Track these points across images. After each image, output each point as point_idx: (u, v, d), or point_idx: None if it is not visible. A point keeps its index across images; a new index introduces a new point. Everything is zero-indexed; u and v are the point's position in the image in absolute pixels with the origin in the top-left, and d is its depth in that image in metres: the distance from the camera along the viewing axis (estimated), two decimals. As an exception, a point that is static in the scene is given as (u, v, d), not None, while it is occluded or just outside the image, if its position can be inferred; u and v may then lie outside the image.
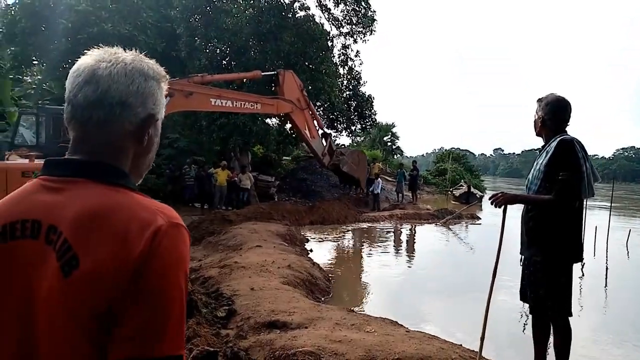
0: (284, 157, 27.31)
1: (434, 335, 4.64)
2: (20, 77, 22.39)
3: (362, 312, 5.97)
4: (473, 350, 4.20)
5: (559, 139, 3.12)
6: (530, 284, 3.27)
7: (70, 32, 18.37)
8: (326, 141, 16.07)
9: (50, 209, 0.93)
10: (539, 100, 3.26)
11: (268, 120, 19.60)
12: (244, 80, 16.48)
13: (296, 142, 23.93)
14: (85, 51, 1.06)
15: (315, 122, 15.51)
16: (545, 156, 3.17)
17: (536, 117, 3.28)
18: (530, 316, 3.51)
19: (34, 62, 21.52)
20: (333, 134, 22.01)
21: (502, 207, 3.28)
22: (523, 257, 3.40)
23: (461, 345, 4.43)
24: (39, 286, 0.90)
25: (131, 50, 1.10)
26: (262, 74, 14.15)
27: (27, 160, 8.55)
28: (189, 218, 14.84)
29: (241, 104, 12.93)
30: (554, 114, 3.19)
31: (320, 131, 16.10)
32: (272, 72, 14.77)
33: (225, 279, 6.32)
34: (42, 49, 19.54)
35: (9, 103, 17.60)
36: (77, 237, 0.89)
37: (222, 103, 12.49)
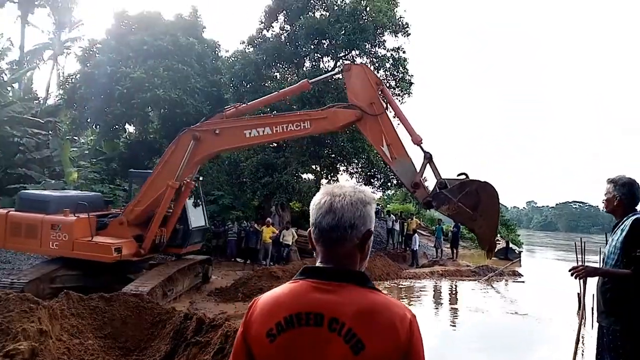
0: (320, 212, 27.72)
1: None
2: (76, 138, 23.94)
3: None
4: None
5: (632, 218, 3.52)
6: (609, 350, 3.53)
7: (124, 97, 19.79)
8: (423, 164, 9.37)
9: (330, 305, 1.38)
10: (612, 181, 3.68)
11: (310, 176, 20.24)
12: (290, 102, 14.18)
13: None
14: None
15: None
16: (621, 234, 3.56)
17: (610, 196, 3.69)
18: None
19: (89, 125, 23.05)
20: (371, 190, 22.26)
21: (583, 279, 3.62)
22: (600, 325, 3.68)
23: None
24: None
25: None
26: (315, 79, 11.83)
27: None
28: (235, 274, 15.28)
29: (283, 127, 10.23)
30: (631, 195, 3.61)
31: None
32: (334, 72, 11.99)
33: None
34: (97, 113, 20.98)
35: (67, 164, 18.80)
36: (359, 327, 1.34)
37: (259, 132, 10.28)
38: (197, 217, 13.27)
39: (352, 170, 22.22)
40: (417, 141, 9.31)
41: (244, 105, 11.27)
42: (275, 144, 21.31)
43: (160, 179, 11.10)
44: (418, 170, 9.24)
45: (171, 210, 11.95)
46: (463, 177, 8.66)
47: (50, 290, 10.14)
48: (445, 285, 15.70)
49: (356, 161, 21.44)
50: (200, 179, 13.88)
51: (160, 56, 20.26)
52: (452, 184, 8.65)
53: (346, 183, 1.58)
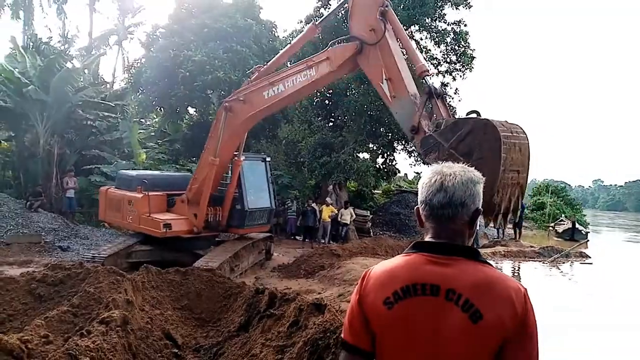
0: (375, 191, 27.72)
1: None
2: (143, 121, 25.06)
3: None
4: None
5: None
6: None
7: (187, 80, 20.41)
8: (422, 101, 7.17)
9: (446, 277, 1.45)
10: None
11: (366, 156, 20.21)
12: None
13: (389, 176, 24.22)
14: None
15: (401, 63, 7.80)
16: None
17: None
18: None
19: (154, 108, 23.99)
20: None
21: None
22: None
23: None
24: (444, 330, 1.40)
25: None
26: (322, 19, 11.14)
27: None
28: (295, 251, 15.66)
29: (293, 81, 9.45)
30: None
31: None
32: (340, 3, 10.17)
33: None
34: (161, 96, 21.78)
35: (136, 145, 19.76)
36: (476, 298, 1.40)
37: (274, 91, 9.74)
38: (258, 198, 13.10)
39: (410, 149, 21.96)
40: (422, 72, 7.33)
41: (263, 65, 10.76)
42: (332, 123, 21.43)
43: (206, 156, 11.36)
44: (418, 108, 6.99)
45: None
46: (474, 115, 6.35)
47: (127, 264, 10.85)
48: (507, 266, 15.35)
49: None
50: (267, 159, 13.81)
51: (220, 38, 20.66)
52: (461, 123, 6.34)
53: (452, 164, 1.62)
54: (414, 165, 23.77)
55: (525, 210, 33.78)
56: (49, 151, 17.75)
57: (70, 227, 15.02)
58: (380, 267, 1.58)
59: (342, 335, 1.59)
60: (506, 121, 6.11)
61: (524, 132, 6.15)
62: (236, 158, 11.92)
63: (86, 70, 22.67)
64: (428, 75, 7.38)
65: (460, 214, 1.53)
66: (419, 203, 1.62)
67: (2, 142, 21.36)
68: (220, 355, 5.41)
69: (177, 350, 5.83)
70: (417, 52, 8.05)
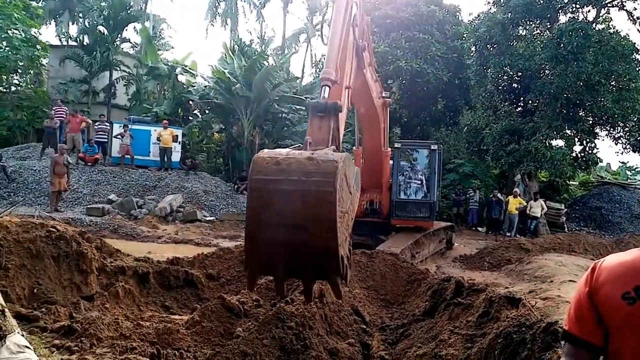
0: (571, 182, 24.93)
1: None
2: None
3: None
4: None
5: None
6: None
7: (369, 71, 21.07)
8: None
9: None
10: None
11: (560, 143, 18.32)
12: None
13: (588, 166, 21.52)
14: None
15: None
16: None
17: None
18: None
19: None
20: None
21: None
22: None
23: None
24: None
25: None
26: None
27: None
28: (477, 243, 15.09)
29: None
30: None
31: None
32: None
33: (555, 312, 6.28)
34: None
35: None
36: None
37: None
38: (411, 189, 12.42)
39: (616, 135, 19.20)
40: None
41: None
42: (521, 108, 19.88)
43: (376, 146, 11.10)
44: None
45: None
46: None
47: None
48: None
49: (622, 124, 18.42)
50: (433, 147, 12.62)
51: (402, 28, 20.77)
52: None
53: None
54: (621, 153, 20.72)
55: None
56: (252, 141, 20.22)
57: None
58: (615, 258, 1.48)
59: (565, 327, 1.52)
60: None
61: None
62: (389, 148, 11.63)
63: (281, 68, 25.01)
64: None
65: None
66: None
67: (216, 133, 24.97)
68: (406, 337, 5.58)
69: (365, 327, 6.21)
70: None
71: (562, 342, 1.53)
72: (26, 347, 2.46)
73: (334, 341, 4.99)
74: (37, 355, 2.58)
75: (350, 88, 5.64)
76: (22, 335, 2.55)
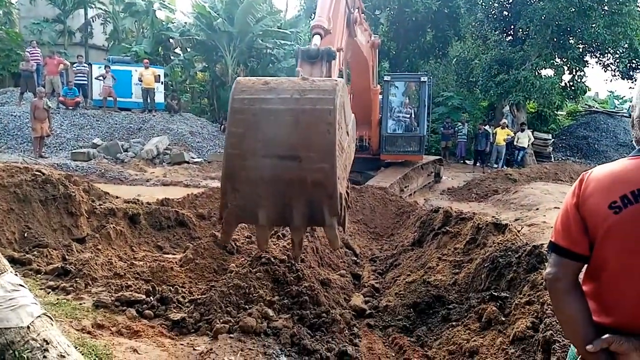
0: (559, 112, 24.98)
1: None
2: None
3: None
4: None
5: None
6: None
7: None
8: None
9: None
10: None
11: (550, 72, 18.11)
12: None
13: (576, 95, 21.45)
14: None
15: None
16: None
17: None
18: None
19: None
20: (630, 85, 18.86)
21: None
22: None
23: None
24: None
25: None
26: None
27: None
28: (465, 175, 15.27)
29: None
30: None
31: None
32: None
33: (540, 237, 6.46)
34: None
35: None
36: None
37: None
38: (400, 123, 12.36)
39: (605, 62, 19.00)
40: None
41: None
42: (511, 36, 19.45)
43: (365, 84, 11.09)
44: None
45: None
46: None
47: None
48: None
49: (612, 50, 18.18)
50: (423, 79, 12.35)
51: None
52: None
53: None
54: (610, 81, 20.61)
55: None
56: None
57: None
58: (602, 169, 1.47)
59: (551, 239, 1.54)
60: None
61: None
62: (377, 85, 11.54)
63: (264, 0, 23.99)
64: None
65: None
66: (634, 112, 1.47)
67: (199, 73, 24.28)
68: (396, 267, 5.73)
69: (355, 259, 6.36)
70: None
71: (548, 253, 1.55)
72: (20, 285, 2.46)
73: (326, 272, 5.11)
74: (33, 296, 2.60)
75: (342, 50, 5.47)
76: (16, 275, 2.55)
